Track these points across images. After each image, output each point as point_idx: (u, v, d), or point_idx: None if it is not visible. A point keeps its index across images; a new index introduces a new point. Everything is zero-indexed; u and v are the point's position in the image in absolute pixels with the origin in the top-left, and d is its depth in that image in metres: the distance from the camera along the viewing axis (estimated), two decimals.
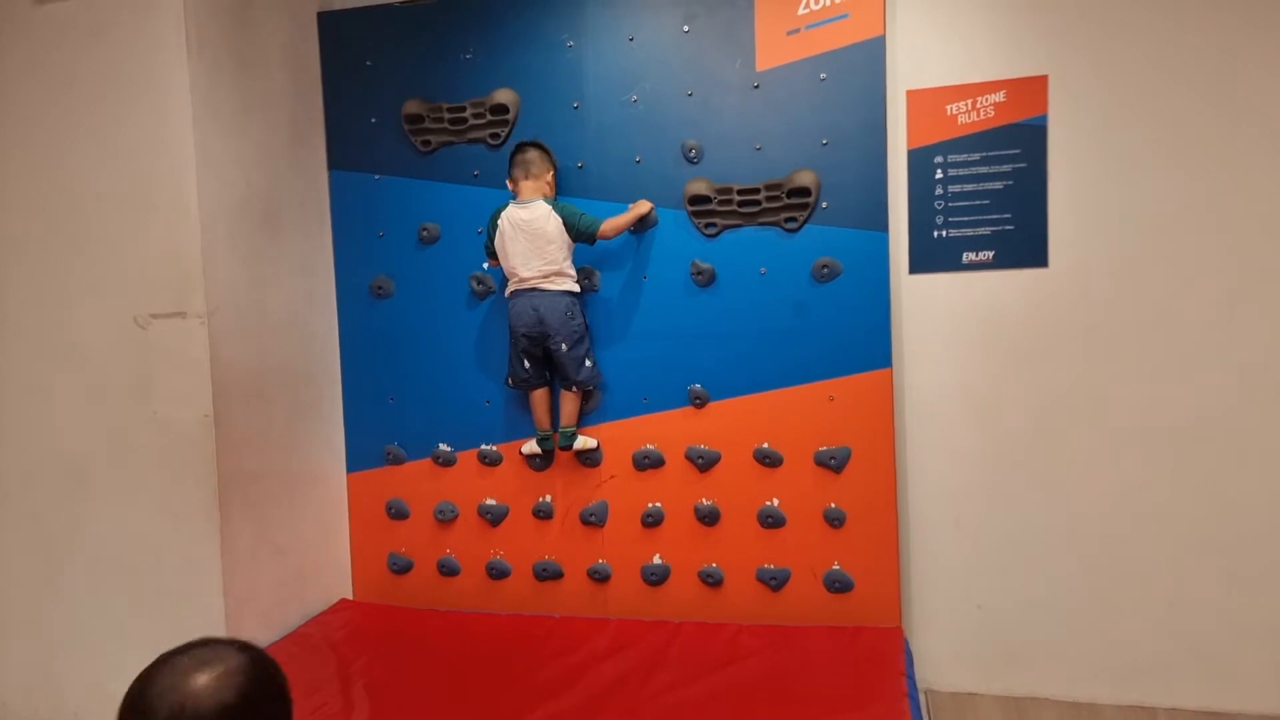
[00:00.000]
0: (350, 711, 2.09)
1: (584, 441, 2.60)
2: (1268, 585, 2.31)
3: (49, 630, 2.48)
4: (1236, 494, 2.32)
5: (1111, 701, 2.40)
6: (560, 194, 2.60)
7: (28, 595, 2.50)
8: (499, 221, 2.50)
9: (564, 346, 2.49)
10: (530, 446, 2.65)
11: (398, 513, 2.81)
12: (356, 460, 2.84)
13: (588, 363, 2.54)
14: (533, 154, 2.52)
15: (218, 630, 2.33)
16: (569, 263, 2.51)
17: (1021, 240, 2.41)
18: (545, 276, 2.47)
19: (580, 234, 2.48)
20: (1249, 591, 2.32)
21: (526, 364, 2.54)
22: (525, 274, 2.47)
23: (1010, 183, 2.40)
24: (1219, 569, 2.34)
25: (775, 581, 2.53)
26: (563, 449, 2.61)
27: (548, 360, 2.56)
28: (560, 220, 2.46)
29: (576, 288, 2.52)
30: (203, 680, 0.92)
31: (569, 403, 2.58)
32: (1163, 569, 2.37)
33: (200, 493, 2.33)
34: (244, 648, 0.99)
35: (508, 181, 2.55)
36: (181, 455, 2.33)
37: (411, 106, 2.70)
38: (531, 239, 2.45)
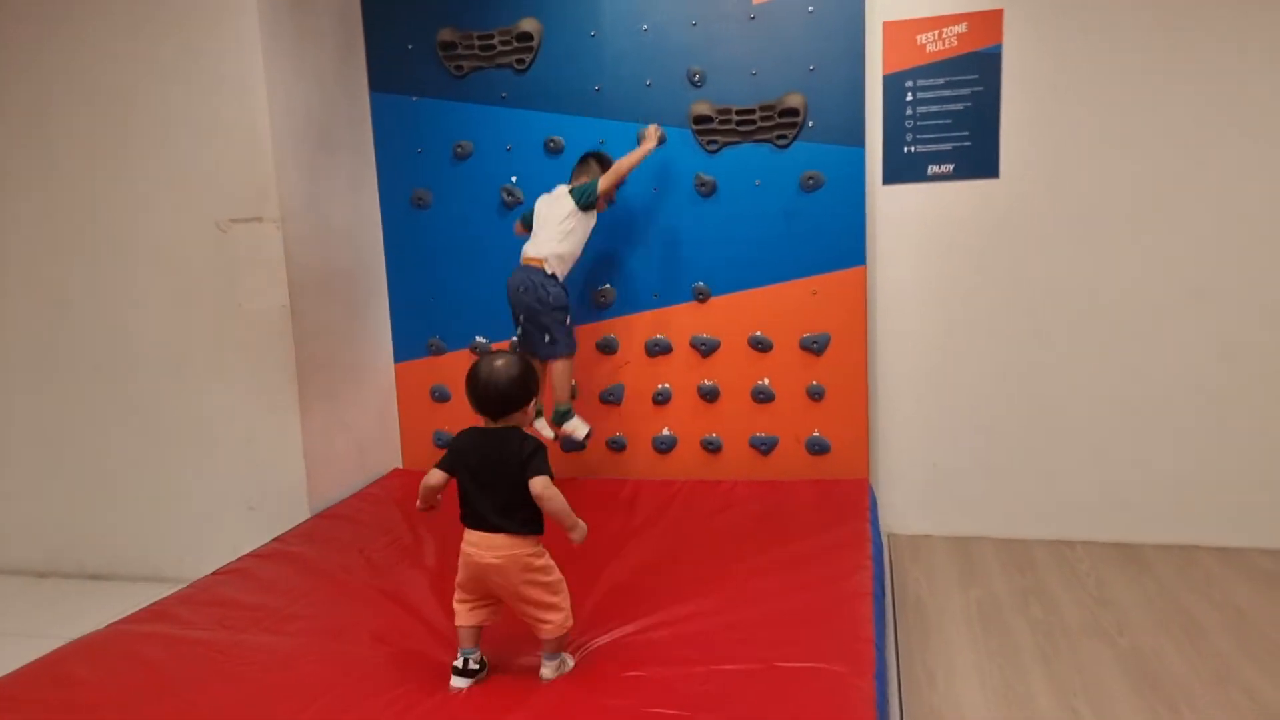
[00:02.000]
0: (420, 544, 2.57)
1: (574, 426, 2.69)
2: (1168, 439, 2.82)
3: (152, 494, 2.93)
4: (1146, 364, 2.80)
5: (1039, 537, 2.94)
6: (578, 114, 2.96)
7: (137, 465, 2.94)
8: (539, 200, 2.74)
9: (520, 317, 2.67)
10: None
11: (440, 396, 3.26)
12: (403, 351, 3.27)
13: (546, 338, 2.66)
14: (594, 166, 2.73)
15: (301, 489, 2.80)
16: (564, 245, 2.62)
17: (977, 155, 2.81)
18: (537, 252, 2.63)
19: (586, 196, 2.62)
20: (1153, 443, 2.83)
21: (516, 328, 2.75)
22: (529, 246, 2.66)
23: (969, 104, 2.79)
24: (1129, 426, 2.84)
25: (765, 447, 3.01)
26: (554, 424, 2.74)
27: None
28: (570, 197, 2.64)
29: (550, 271, 2.62)
30: (499, 362, 1.76)
31: (553, 374, 2.71)
32: (1084, 428, 2.87)
33: (282, 375, 2.75)
34: (519, 354, 1.85)
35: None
36: (264, 342, 2.75)
37: (445, 34, 3.02)
38: (548, 211, 2.66)
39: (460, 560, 1.76)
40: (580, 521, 1.77)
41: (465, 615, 1.77)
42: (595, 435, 3.13)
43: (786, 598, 2.08)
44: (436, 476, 1.78)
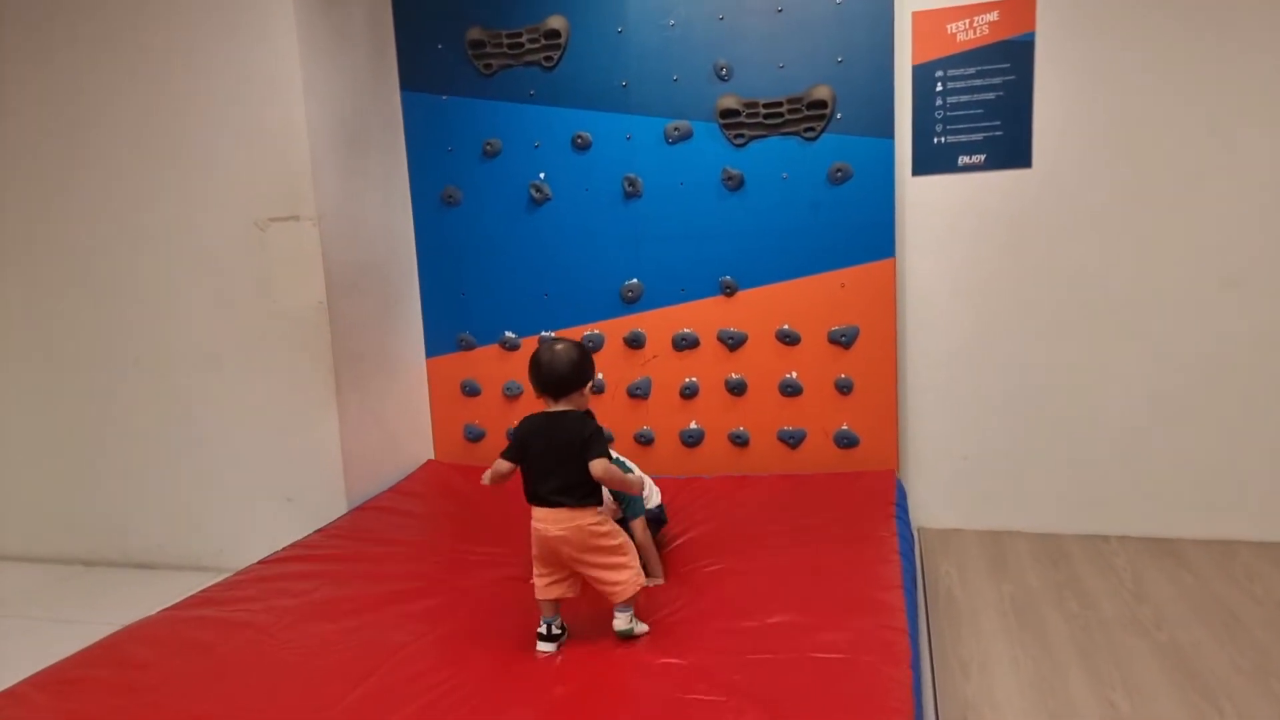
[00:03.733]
0: (460, 534, 2.61)
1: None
2: (1204, 431, 2.77)
3: (194, 486, 3.00)
4: (1181, 355, 2.76)
5: (1072, 531, 2.90)
6: (605, 110, 2.98)
7: (178, 458, 3.01)
8: None
9: None
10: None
11: (471, 390, 3.30)
12: (434, 347, 3.31)
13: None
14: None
15: (338, 482, 2.85)
16: None
17: (1009, 144, 2.78)
18: None
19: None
20: (1188, 436, 2.78)
21: None
22: None
23: (1001, 94, 2.76)
24: (1164, 418, 2.79)
25: (793, 440, 3.01)
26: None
27: None
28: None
29: None
30: (559, 347, 1.92)
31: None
32: (1116, 421, 2.83)
33: (319, 369, 2.80)
34: (576, 341, 1.97)
35: None
36: (301, 338, 2.80)
37: (474, 33, 3.05)
38: None
39: (531, 537, 1.89)
40: (639, 484, 1.96)
41: (542, 590, 1.90)
42: (623, 429, 3.17)
43: (817, 590, 2.08)
44: (504, 466, 1.92)
